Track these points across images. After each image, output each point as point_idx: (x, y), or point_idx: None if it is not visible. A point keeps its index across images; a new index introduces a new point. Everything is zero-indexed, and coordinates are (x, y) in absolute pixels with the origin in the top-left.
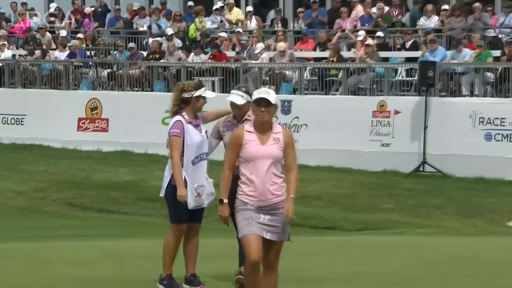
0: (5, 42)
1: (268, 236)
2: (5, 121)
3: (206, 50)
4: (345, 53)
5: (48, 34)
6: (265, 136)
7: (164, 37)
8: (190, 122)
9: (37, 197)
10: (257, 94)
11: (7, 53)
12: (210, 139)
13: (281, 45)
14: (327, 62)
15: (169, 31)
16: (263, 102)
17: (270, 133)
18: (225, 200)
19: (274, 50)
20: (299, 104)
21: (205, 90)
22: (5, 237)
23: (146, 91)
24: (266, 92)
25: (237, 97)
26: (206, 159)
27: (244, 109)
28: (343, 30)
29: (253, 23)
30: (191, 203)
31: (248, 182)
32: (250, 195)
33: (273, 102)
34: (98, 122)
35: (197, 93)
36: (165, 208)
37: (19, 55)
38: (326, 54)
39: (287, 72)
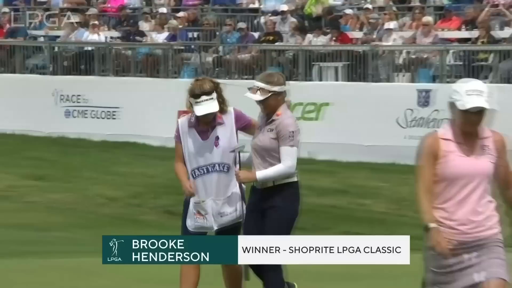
0: (96, 22)
1: (479, 277)
2: (94, 114)
3: (328, 30)
4: (497, 33)
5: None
6: (469, 145)
7: (279, 16)
8: (193, 126)
9: (131, 204)
10: (468, 99)
11: (100, 36)
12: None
13: (427, 20)
14: (475, 44)
15: (284, 7)
16: (477, 115)
17: (476, 139)
18: (432, 225)
19: (411, 28)
20: (440, 94)
21: (196, 102)
22: (94, 251)
23: None
24: (478, 93)
25: (251, 92)
26: (220, 171)
27: (270, 103)
28: (496, 5)
29: None
30: (190, 224)
31: (446, 210)
32: (452, 228)
33: (489, 107)
34: None
35: (189, 102)
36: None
37: (111, 38)
38: (474, 34)
39: (426, 56)
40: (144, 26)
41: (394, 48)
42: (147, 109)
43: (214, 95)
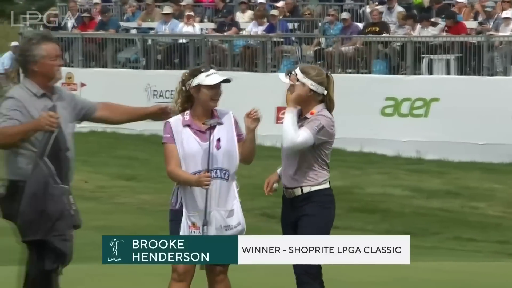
0: (192, 13)
1: None
2: None
3: (439, 20)
4: None
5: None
6: None
7: (385, 5)
8: (188, 125)
9: None
10: None
11: (195, 28)
12: None
13: None
14: None
15: None
16: None
17: None
18: None
19: None
20: None
21: (207, 75)
22: None
23: (362, 73)
24: None
25: (281, 75)
26: (222, 178)
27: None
28: None
29: None
30: None
31: None
32: None
33: None
34: None
35: (195, 82)
36: (385, 222)
37: (207, 29)
38: None
39: None
40: (240, 16)
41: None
42: (243, 105)
43: None
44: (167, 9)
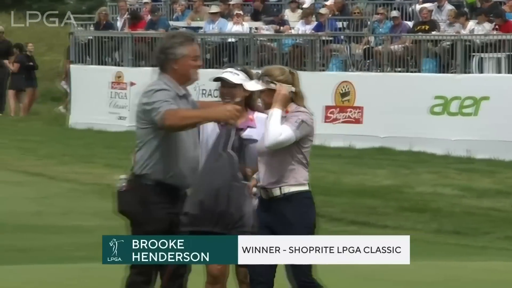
0: (241, 12)
1: None
2: None
3: (491, 18)
4: None
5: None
6: None
7: (435, 3)
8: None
9: None
10: None
11: (244, 26)
12: None
13: None
14: None
15: None
16: None
17: None
18: None
19: None
20: None
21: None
22: None
23: (411, 72)
24: None
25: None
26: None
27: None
28: None
29: None
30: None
31: None
32: None
33: None
34: (350, 112)
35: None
36: (435, 222)
37: (256, 28)
38: None
39: None
40: (289, 15)
41: None
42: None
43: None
44: (214, 9)
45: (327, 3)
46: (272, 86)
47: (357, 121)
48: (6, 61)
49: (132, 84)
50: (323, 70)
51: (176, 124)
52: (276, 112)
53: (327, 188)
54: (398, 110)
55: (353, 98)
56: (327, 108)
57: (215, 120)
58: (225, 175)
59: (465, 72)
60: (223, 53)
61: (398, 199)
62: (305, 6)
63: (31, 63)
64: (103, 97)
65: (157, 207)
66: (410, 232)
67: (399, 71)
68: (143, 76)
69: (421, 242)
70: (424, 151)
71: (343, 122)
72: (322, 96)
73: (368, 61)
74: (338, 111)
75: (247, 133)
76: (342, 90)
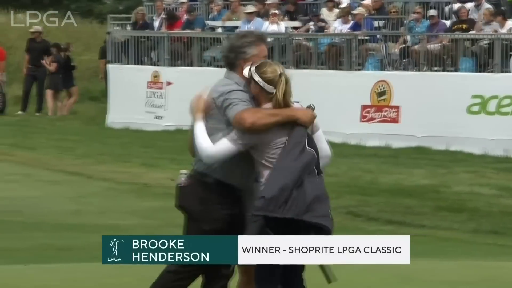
0: (277, 11)
1: None
2: None
3: None
4: None
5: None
6: None
7: (473, 2)
8: None
9: None
10: None
11: (280, 26)
12: None
13: None
14: None
15: None
16: None
17: None
18: None
19: None
20: None
21: None
22: None
23: (448, 71)
24: None
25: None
26: None
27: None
28: None
29: None
30: None
31: None
32: None
33: None
34: (387, 111)
35: None
36: (472, 221)
37: (292, 28)
38: None
39: None
40: (326, 14)
41: None
42: (328, 104)
43: None
44: (250, 8)
45: (364, 2)
46: (257, 79)
47: (394, 120)
48: (43, 61)
49: (168, 83)
50: (360, 69)
51: (261, 123)
52: (197, 123)
53: (364, 187)
54: (435, 109)
55: (389, 97)
56: (364, 107)
57: (292, 120)
58: (312, 171)
59: (503, 71)
60: None
61: (435, 198)
62: (342, 5)
63: (72, 64)
64: (140, 97)
65: (216, 207)
66: (447, 232)
67: (436, 70)
68: (180, 76)
69: (459, 242)
70: (461, 150)
71: (379, 121)
72: (358, 96)
73: (404, 60)
74: (375, 110)
75: None
76: (378, 89)
